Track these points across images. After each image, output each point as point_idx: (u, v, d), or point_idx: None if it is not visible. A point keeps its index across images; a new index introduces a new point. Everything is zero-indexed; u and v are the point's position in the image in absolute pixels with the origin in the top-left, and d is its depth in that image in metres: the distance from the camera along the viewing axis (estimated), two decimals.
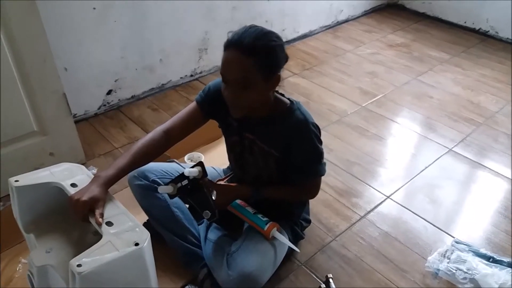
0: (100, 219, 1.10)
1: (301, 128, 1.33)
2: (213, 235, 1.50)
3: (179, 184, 1.28)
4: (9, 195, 1.83)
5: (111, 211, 1.15)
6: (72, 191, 1.17)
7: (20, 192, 1.21)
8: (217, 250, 1.43)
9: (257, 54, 1.18)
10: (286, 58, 1.27)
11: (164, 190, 1.27)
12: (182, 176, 1.29)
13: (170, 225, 1.49)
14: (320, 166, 1.40)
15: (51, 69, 1.81)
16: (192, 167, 1.29)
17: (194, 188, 1.30)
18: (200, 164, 1.30)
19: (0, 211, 1.74)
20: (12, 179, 1.21)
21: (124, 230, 1.10)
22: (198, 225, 1.55)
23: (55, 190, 1.22)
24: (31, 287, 1.22)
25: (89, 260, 0.99)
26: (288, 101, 1.36)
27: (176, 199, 1.47)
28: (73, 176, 1.24)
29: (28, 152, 1.88)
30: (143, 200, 1.49)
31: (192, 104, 1.43)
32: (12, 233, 1.65)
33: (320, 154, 1.38)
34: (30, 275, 1.19)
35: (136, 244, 1.05)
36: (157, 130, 1.38)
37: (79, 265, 0.97)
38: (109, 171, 1.23)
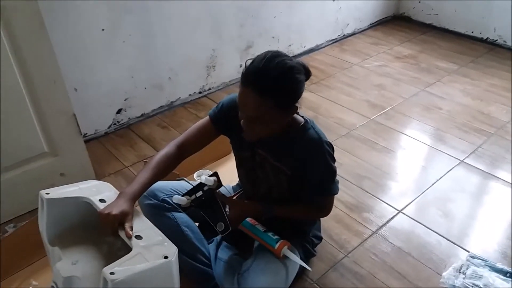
0: (130, 232, 1.13)
1: (315, 147, 1.33)
2: (223, 254, 1.48)
3: (193, 196, 1.30)
4: (20, 216, 1.87)
5: (139, 225, 1.19)
6: (100, 206, 1.20)
7: (50, 204, 1.24)
8: (228, 270, 1.42)
9: (275, 96, 1.16)
10: (308, 76, 1.25)
11: (178, 201, 1.29)
12: (196, 188, 1.31)
13: (180, 244, 1.45)
14: (333, 185, 1.39)
15: (61, 91, 1.83)
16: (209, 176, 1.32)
17: (208, 200, 1.31)
18: (215, 174, 1.32)
19: (12, 233, 1.74)
20: (43, 192, 1.25)
21: (153, 243, 1.14)
22: (208, 243, 1.54)
23: (83, 205, 1.26)
24: None
25: (122, 269, 1.03)
26: (302, 119, 1.36)
27: (187, 218, 1.48)
28: (101, 193, 1.28)
29: (39, 173, 1.90)
30: (153, 219, 1.46)
31: (205, 119, 1.44)
32: (23, 255, 1.66)
33: (333, 173, 1.38)
34: (55, 286, 1.20)
35: (166, 257, 1.10)
36: (171, 145, 1.41)
37: (112, 273, 1.01)
38: (134, 186, 1.26)
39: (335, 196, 1.44)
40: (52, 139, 1.88)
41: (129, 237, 1.13)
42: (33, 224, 1.65)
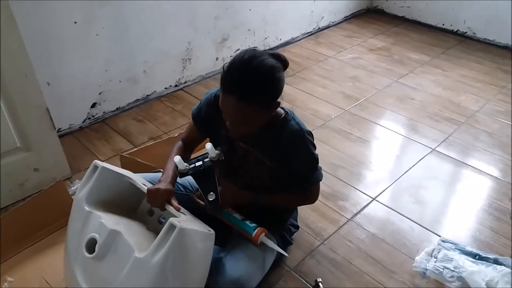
0: (178, 206, 1.28)
1: (297, 138, 1.35)
2: None
3: (192, 165, 1.35)
4: None
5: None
6: (144, 187, 1.33)
7: (102, 173, 1.35)
8: None
9: (258, 99, 1.19)
10: (285, 66, 1.27)
11: (178, 164, 1.34)
12: (198, 159, 1.37)
13: None
14: (317, 172, 1.42)
15: (33, 84, 1.80)
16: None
17: (205, 171, 1.35)
18: (219, 150, 1.35)
19: None
20: (98, 161, 1.37)
21: (195, 220, 1.32)
22: None
23: (125, 184, 1.39)
24: (88, 251, 1.26)
25: (184, 222, 1.20)
26: (282, 111, 1.38)
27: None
28: (141, 181, 1.40)
29: (12, 169, 1.86)
30: None
31: (191, 121, 1.52)
32: None
33: (316, 161, 1.41)
34: (96, 237, 1.24)
35: (209, 231, 1.29)
36: (179, 140, 1.55)
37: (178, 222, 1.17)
38: (168, 173, 1.37)
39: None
40: (25, 134, 1.85)
41: (178, 209, 1.27)
42: (7, 219, 1.64)
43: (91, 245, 1.25)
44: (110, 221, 1.26)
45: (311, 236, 1.78)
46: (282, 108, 1.39)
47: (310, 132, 1.39)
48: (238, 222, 1.42)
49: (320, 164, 1.43)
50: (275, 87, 1.22)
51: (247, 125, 1.26)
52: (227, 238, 1.50)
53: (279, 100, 1.27)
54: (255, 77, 1.17)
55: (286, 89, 2.74)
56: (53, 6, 2.06)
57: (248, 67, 1.17)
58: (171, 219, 1.17)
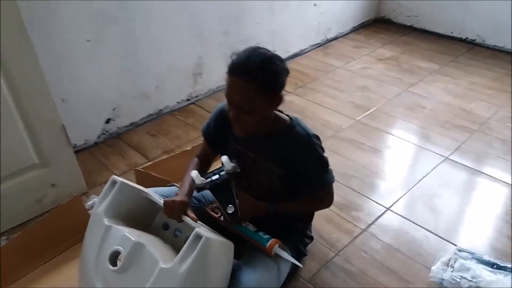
0: (195, 217, 1.31)
1: (304, 143, 1.38)
2: None
3: (209, 179, 1.36)
4: (12, 229, 1.86)
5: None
6: (160, 201, 1.35)
7: (120, 188, 1.40)
8: None
9: (262, 80, 1.24)
10: (287, 73, 1.32)
11: (195, 178, 1.35)
12: (214, 172, 1.38)
13: None
14: (328, 174, 1.44)
15: (48, 102, 1.84)
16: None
17: (222, 184, 1.36)
18: (235, 163, 1.37)
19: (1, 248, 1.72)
20: (116, 176, 1.42)
21: (212, 232, 1.32)
22: None
23: (141, 200, 1.42)
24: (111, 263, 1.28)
25: (210, 233, 1.24)
26: (287, 118, 1.42)
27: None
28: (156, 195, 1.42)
29: (30, 185, 1.90)
30: None
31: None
32: (16, 268, 1.65)
33: (326, 163, 1.42)
34: (121, 250, 1.27)
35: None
36: (194, 156, 1.60)
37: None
38: (184, 187, 1.41)
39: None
40: (41, 150, 1.88)
41: (196, 221, 1.29)
42: (25, 235, 1.66)
43: (113, 258, 1.27)
44: (133, 234, 1.29)
45: (325, 247, 1.78)
46: (287, 115, 1.42)
47: (317, 135, 1.41)
48: (251, 233, 1.42)
49: (332, 174, 1.44)
50: (274, 71, 1.26)
51: (250, 113, 1.27)
52: (241, 250, 1.50)
53: (282, 95, 1.31)
54: (258, 59, 1.24)
55: (296, 100, 2.76)
56: (66, 25, 2.12)
57: (251, 53, 1.26)
58: (197, 230, 1.20)
